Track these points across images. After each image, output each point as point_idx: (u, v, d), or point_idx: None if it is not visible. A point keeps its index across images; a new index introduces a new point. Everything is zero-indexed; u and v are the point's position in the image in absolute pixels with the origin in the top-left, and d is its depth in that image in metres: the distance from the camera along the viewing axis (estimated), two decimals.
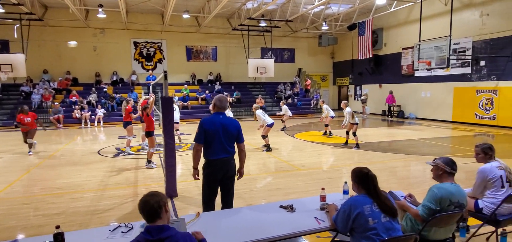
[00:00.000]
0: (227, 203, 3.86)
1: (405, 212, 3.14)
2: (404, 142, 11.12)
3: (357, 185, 2.67)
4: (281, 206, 3.28)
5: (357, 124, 10.07)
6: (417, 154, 9.18)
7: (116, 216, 4.88)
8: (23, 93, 18.69)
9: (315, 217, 3.02)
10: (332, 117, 12.75)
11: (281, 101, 15.11)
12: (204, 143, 3.69)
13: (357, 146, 10.04)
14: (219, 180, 3.77)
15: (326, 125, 12.79)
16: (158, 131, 9.69)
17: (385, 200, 2.53)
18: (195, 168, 3.87)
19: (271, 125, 9.94)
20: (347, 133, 10.33)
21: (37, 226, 4.55)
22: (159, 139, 8.98)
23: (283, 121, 14.61)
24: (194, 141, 3.77)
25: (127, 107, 9.92)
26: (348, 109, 10.24)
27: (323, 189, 3.32)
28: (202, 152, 3.77)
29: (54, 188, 6.32)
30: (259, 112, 10.24)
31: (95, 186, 6.45)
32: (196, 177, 3.89)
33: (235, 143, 3.82)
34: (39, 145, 11.51)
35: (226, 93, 20.98)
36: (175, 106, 11.66)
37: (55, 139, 13.20)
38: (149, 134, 7.77)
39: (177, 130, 11.38)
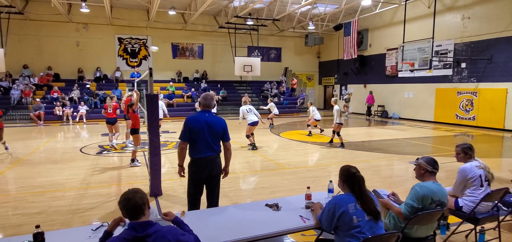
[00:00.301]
0: (213, 201, 3.85)
1: (388, 210, 3.19)
2: (387, 142, 11.31)
3: (343, 183, 2.70)
4: (266, 205, 3.29)
5: (341, 124, 10.20)
6: (400, 153, 9.35)
7: (98, 215, 4.78)
8: (1, 88, 18.05)
9: (300, 216, 3.03)
10: (317, 120, 12.63)
11: (269, 99, 15.33)
12: (189, 141, 3.68)
13: (342, 145, 10.16)
14: (205, 179, 3.76)
15: (308, 125, 12.84)
16: (143, 128, 9.56)
17: (369, 203, 2.55)
18: (180, 165, 3.85)
19: (252, 123, 9.75)
20: (334, 132, 10.42)
21: (16, 226, 4.41)
22: (144, 136, 8.86)
23: (269, 118, 14.82)
24: (179, 138, 3.75)
25: (113, 104, 9.72)
26: (336, 107, 10.27)
27: (308, 187, 3.34)
28: (188, 150, 3.75)
29: (34, 187, 6.15)
30: (243, 108, 10.09)
31: (77, 184, 6.31)
32: (182, 174, 3.87)
33: (221, 142, 3.81)
34: (19, 142, 11.17)
35: (213, 92, 20.85)
36: (161, 103, 11.68)
37: (36, 136, 12.82)
38: (134, 131, 7.64)
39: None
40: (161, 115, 11.46)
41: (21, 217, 4.72)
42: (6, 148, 9.35)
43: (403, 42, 15.32)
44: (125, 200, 2.10)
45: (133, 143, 7.82)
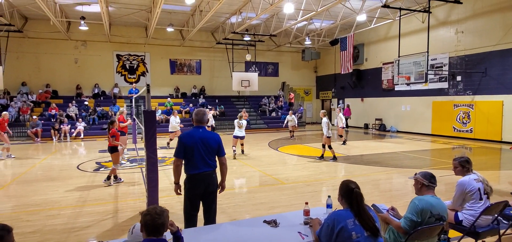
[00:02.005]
0: (210, 218, 3.81)
1: (388, 225, 3.16)
2: (386, 155, 11.30)
3: (342, 198, 2.67)
4: (264, 221, 3.25)
5: (329, 137, 10.14)
6: (399, 167, 9.31)
7: (95, 234, 4.70)
8: None
9: (298, 232, 2.99)
10: (344, 127, 13.85)
11: (290, 111, 16.95)
12: (184, 157, 3.67)
13: (334, 158, 10.12)
14: (201, 195, 3.72)
15: (341, 135, 13.84)
16: (141, 144, 9.53)
17: (367, 220, 2.51)
18: (176, 183, 3.83)
19: (236, 137, 11.04)
20: (324, 146, 10.30)
21: None
22: (142, 153, 8.79)
23: (291, 132, 16.14)
24: (173, 156, 3.75)
25: (119, 116, 9.77)
26: (325, 120, 10.12)
27: (306, 203, 3.31)
28: (183, 167, 3.74)
29: (29, 205, 6.06)
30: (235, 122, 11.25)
31: (73, 202, 6.22)
32: (178, 192, 3.85)
33: (216, 157, 3.81)
34: (15, 160, 11.07)
35: (210, 107, 20.88)
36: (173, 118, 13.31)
37: (32, 153, 12.72)
38: (113, 149, 7.49)
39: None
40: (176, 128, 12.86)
41: (16, 237, 4.56)
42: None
43: (399, 56, 15.48)
44: (151, 219, 2.20)
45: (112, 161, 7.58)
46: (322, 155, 10.41)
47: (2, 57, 16.97)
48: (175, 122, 13.39)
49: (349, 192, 2.61)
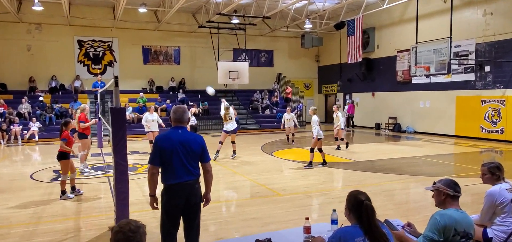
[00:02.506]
0: (191, 236, 3.80)
1: None
2: (401, 160, 11.39)
3: (349, 212, 2.67)
4: (257, 241, 3.24)
5: (320, 139, 10.08)
6: (417, 174, 9.40)
7: None
8: None
9: None
10: (343, 129, 13.79)
11: (288, 108, 16.01)
12: (161, 164, 3.65)
13: (324, 162, 10.18)
14: (181, 209, 3.70)
15: (340, 138, 13.72)
16: (108, 149, 9.43)
17: (379, 238, 2.51)
18: (152, 195, 3.80)
19: (226, 131, 11.44)
20: (312, 149, 10.17)
21: None
22: (109, 158, 8.71)
23: (292, 135, 15.56)
24: (148, 163, 3.72)
25: (80, 115, 9.69)
26: (315, 118, 10.05)
27: (307, 218, 3.31)
28: (160, 176, 3.71)
29: None
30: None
31: (26, 218, 6.16)
32: (154, 205, 3.82)
33: (200, 163, 3.80)
34: None
35: (191, 103, 20.79)
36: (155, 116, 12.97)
37: None
38: (63, 156, 7.30)
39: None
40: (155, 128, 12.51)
41: None
42: None
43: (416, 43, 15.57)
44: (124, 238, 2.13)
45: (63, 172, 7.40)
46: (311, 162, 10.16)
47: None
48: (150, 119, 13.06)
49: (358, 205, 2.61)
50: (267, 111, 23.05)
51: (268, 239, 3.23)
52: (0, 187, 8.43)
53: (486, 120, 16.07)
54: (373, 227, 2.54)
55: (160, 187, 3.75)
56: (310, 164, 10.12)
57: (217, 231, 5.50)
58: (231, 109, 11.54)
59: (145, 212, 6.30)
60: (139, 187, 8.21)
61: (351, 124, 22.17)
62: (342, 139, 13.73)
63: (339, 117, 13.59)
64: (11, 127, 16.73)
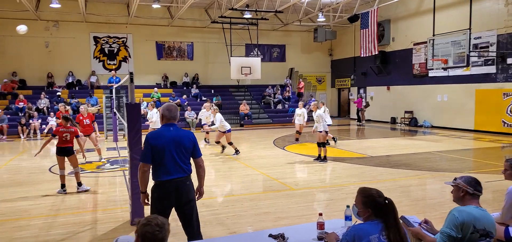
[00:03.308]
0: (192, 233, 3.83)
1: (420, 241, 3.13)
2: (417, 156, 11.24)
3: (370, 211, 2.64)
4: (270, 235, 3.25)
5: (326, 132, 10.12)
6: (434, 170, 9.25)
7: None
8: None
9: None
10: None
11: (300, 102, 14.76)
12: (152, 162, 3.69)
13: (325, 158, 10.10)
14: (171, 205, 3.75)
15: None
16: (123, 143, 9.59)
17: (403, 237, 2.50)
18: (143, 192, 3.85)
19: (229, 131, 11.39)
20: (320, 144, 10.08)
21: None
22: (124, 152, 8.83)
23: (298, 132, 14.20)
24: (139, 160, 3.76)
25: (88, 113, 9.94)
26: (319, 111, 10.04)
27: (320, 214, 3.29)
28: (151, 173, 3.77)
29: None
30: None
31: (45, 211, 6.29)
32: (145, 202, 3.88)
33: (192, 159, 3.87)
34: None
35: (205, 98, 20.91)
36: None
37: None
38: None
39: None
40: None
41: None
42: None
43: (433, 35, 15.33)
44: (150, 233, 2.21)
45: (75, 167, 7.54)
46: (319, 155, 10.11)
47: None
48: (155, 116, 13.20)
49: (383, 206, 2.59)
50: (279, 106, 23.00)
51: (281, 234, 3.22)
52: (19, 180, 8.64)
53: (508, 114, 15.66)
54: (399, 226, 2.53)
55: (151, 183, 3.80)
56: (324, 158, 10.05)
57: (230, 225, 5.51)
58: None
59: None
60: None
61: (358, 118, 22.05)
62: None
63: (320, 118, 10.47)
64: (30, 121, 17.09)
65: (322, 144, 10.07)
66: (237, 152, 11.34)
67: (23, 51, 20.26)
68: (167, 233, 2.27)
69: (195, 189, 3.95)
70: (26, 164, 10.68)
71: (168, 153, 3.66)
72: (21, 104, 18.00)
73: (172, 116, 3.82)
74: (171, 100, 20.74)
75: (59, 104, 14.02)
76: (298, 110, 14.28)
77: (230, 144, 11.47)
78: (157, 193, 3.72)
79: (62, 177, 7.35)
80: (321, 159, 10.09)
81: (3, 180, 8.62)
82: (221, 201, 6.78)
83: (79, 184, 7.47)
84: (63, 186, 7.37)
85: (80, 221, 5.75)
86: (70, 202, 6.81)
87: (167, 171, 3.67)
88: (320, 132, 9.94)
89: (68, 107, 13.31)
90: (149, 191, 3.85)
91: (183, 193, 3.73)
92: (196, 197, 3.93)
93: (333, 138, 13.21)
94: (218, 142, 11.88)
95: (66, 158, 7.35)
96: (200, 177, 3.95)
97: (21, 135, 16.55)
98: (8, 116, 17.33)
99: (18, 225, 5.59)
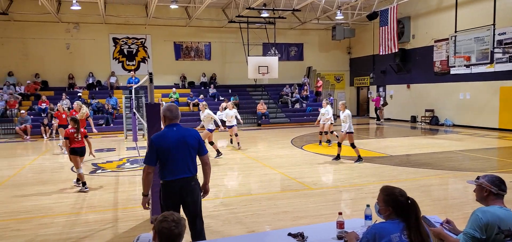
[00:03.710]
0: (195, 232, 3.87)
1: (442, 241, 3.08)
2: (439, 155, 11.05)
3: (390, 209, 2.63)
4: (290, 234, 3.26)
5: (351, 133, 9.85)
6: (456, 170, 9.10)
7: None
8: None
9: None
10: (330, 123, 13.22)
11: (324, 101, 13.55)
12: (158, 162, 3.73)
13: (337, 157, 10.10)
14: (177, 204, 3.78)
15: (326, 132, 13.25)
16: (142, 143, 9.74)
17: (425, 237, 2.48)
18: (145, 194, 3.88)
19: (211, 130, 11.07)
20: (353, 145, 9.94)
21: None
22: (144, 152, 8.95)
23: (321, 133, 13.28)
24: (144, 162, 3.80)
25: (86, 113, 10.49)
26: (348, 112, 9.87)
27: (340, 213, 3.28)
28: (158, 173, 3.80)
29: (19, 212, 6.33)
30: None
31: (68, 209, 6.46)
32: (146, 206, 3.92)
33: (198, 157, 3.89)
34: (3, 160, 11.57)
35: (222, 98, 21.00)
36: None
37: (21, 152, 13.27)
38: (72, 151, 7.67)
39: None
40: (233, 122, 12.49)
41: None
42: None
43: (455, 31, 15.05)
44: (166, 229, 2.28)
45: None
46: (360, 156, 9.98)
47: None
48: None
49: (404, 206, 2.57)
50: (297, 105, 22.92)
51: (300, 233, 3.23)
52: (43, 178, 8.89)
53: None
54: (421, 226, 2.51)
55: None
56: (360, 158, 9.88)
57: (248, 223, 5.55)
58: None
59: None
60: None
61: (377, 117, 21.86)
62: (331, 132, 13.34)
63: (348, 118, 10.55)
64: (53, 121, 17.55)
65: (352, 145, 9.90)
66: (218, 153, 10.96)
67: (45, 53, 20.83)
68: (183, 228, 2.33)
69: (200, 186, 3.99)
70: (49, 163, 10.98)
71: (173, 153, 3.68)
72: (43, 105, 18.50)
73: (174, 116, 3.84)
74: (189, 101, 20.99)
75: (58, 105, 14.21)
76: (322, 110, 13.15)
77: (211, 143, 11.15)
78: (163, 193, 3.78)
79: (81, 176, 7.62)
80: (339, 158, 10.02)
81: (27, 179, 8.88)
82: (239, 200, 6.83)
83: (83, 183, 7.66)
84: (84, 184, 7.57)
85: (101, 219, 5.89)
86: (91, 200, 6.98)
87: (172, 171, 3.70)
88: (348, 132, 9.71)
89: (66, 106, 13.67)
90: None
91: (187, 192, 3.76)
92: (202, 194, 3.96)
93: (337, 136, 13.00)
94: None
95: (79, 157, 7.64)
96: (206, 174, 3.97)
97: (43, 135, 17.01)
98: (32, 116, 17.84)
99: (43, 223, 5.77)
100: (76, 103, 11.22)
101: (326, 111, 12.91)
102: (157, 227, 2.30)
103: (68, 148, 7.66)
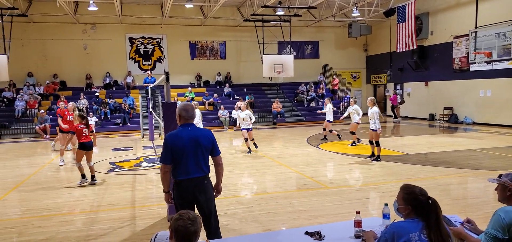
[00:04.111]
0: (210, 230, 3.91)
1: (463, 241, 3.04)
2: (458, 153, 10.86)
3: (410, 208, 2.62)
4: (306, 233, 3.27)
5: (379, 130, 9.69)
6: (476, 168, 8.95)
7: None
8: (5, 100, 19.32)
9: None
10: (330, 121, 13.55)
11: (351, 99, 13.54)
12: (173, 162, 3.78)
13: (377, 157, 9.94)
14: (191, 203, 3.82)
15: (324, 129, 13.77)
16: (159, 142, 9.84)
17: (445, 238, 2.46)
18: (166, 191, 3.97)
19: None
20: (374, 142, 9.90)
21: None
22: (160, 151, 9.07)
23: (330, 131, 13.72)
24: (160, 161, 3.86)
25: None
26: (376, 109, 9.76)
27: (358, 212, 3.27)
28: (171, 172, 3.86)
29: (40, 209, 6.50)
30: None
31: (87, 207, 6.61)
32: (169, 201, 4.00)
33: (211, 157, 3.94)
34: (23, 159, 11.89)
35: (237, 97, 21.08)
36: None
37: (41, 151, 13.59)
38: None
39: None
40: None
41: None
42: None
43: (476, 27, 14.78)
44: (182, 226, 2.33)
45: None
46: (374, 153, 9.99)
47: (6, 45, 18.03)
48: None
49: (424, 205, 2.56)
50: (313, 104, 22.81)
51: (318, 232, 3.23)
52: (62, 177, 9.11)
53: None
54: (441, 226, 2.49)
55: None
56: (374, 155, 9.94)
57: (265, 222, 5.57)
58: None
59: None
60: None
61: (394, 115, 21.61)
62: (330, 131, 13.72)
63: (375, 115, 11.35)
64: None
65: (371, 142, 9.89)
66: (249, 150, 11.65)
67: (63, 54, 21.29)
68: (199, 226, 2.36)
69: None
70: (68, 162, 11.21)
71: (186, 153, 3.74)
72: (61, 104, 18.86)
73: (189, 116, 3.88)
74: (204, 100, 21.13)
75: (59, 102, 14.44)
76: (350, 108, 12.80)
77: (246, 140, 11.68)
78: (176, 191, 3.85)
79: (81, 168, 8.11)
80: (375, 157, 9.89)
81: (47, 177, 9.10)
82: (255, 198, 6.86)
83: (92, 176, 8.19)
84: (83, 176, 8.09)
85: (119, 217, 6.00)
86: (109, 198, 7.11)
87: (185, 171, 3.76)
88: (374, 130, 9.61)
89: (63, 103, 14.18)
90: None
91: (201, 191, 3.82)
92: (214, 194, 4.01)
93: (338, 135, 13.50)
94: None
95: (85, 152, 8.16)
96: (218, 174, 4.02)
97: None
98: (51, 116, 18.26)
99: (64, 220, 5.91)
100: (71, 104, 11.49)
101: (354, 110, 12.60)
102: (173, 225, 2.34)
103: (69, 142, 8.54)
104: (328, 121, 13.58)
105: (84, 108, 19.12)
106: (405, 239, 2.45)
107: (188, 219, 2.33)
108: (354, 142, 12.59)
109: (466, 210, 5.83)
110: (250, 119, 11.55)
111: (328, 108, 13.60)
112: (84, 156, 8.13)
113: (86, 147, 8.09)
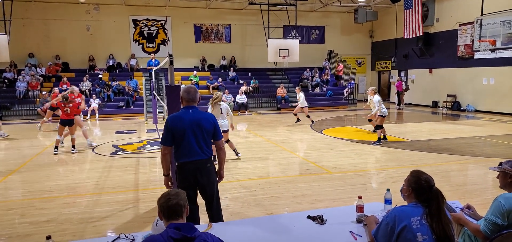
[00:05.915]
0: (212, 212, 3.92)
1: (462, 227, 3.08)
2: (460, 140, 10.87)
3: (412, 193, 2.65)
4: (308, 217, 3.30)
5: (384, 116, 10.39)
6: (477, 155, 8.97)
7: (114, 225, 5.01)
8: (6, 81, 19.31)
9: (350, 231, 3.01)
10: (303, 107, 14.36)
11: (297, 88, 15.75)
12: (174, 144, 3.78)
13: (379, 140, 10.30)
14: (193, 186, 3.83)
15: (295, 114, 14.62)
16: (163, 125, 9.77)
17: (445, 226, 2.48)
18: (166, 174, 3.95)
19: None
20: (378, 127, 10.54)
21: (24, 236, 4.72)
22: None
23: (308, 116, 14.76)
24: (160, 143, 3.86)
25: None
26: (377, 97, 10.43)
27: (360, 197, 3.30)
28: (173, 155, 3.86)
29: (42, 191, 6.55)
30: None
31: (90, 189, 6.65)
32: (169, 184, 4.00)
33: (213, 141, 3.92)
34: (25, 140, 11.95)
35: (242, 81, 21.03)
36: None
37: (43, 133, 13.66)
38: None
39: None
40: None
41: (29, 226, 5.04)
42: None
43: (481, 15, 14.60)
44: (165, 199, 2.41)
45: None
46: (383, 136, 10.49)
47: (6, 25, 17.83)
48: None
49: (426, 190, 2.58)
50: (317, 90, 22.75)
51: (320, 216, 3.26)
52: (65, 159, 9.17)
53: None
54: (442, 215, 2.51)
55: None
56: (384, 138, 10.46)
57: (267, 206, 5.61)
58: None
59: None
60: None
61: (398, 102, 21.44)
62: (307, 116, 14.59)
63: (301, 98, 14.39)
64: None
65: (379, 127, 10.41)
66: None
67: (66, 35, 21.18)
68: (180, 199, 2.40)
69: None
70: (70, 143, 11.25)
71: (187, 135, 3.72)
72: (64, 87, 18.88)
73: (191, 98, 3.85)
74: (209, 84, 21.10)
75: (55, 88, 15.61)
76: (374, 97, 10.79)
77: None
78: (179, 175, 3.84)
79: (57, 141, 9.65)
80: (380, 141, 10.31)
81: (50, 159, 9.15)
82: (258, 182, 6.91)
83: (55, 147, 9.61)
84: (56, 148, 9.57)
85: (122, 199, 6.03)
86: (113, 181, 7.15)
87: (186, 153, 3.74)
88: (382, 116, 10.29)
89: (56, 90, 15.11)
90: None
91: (203, 175, 3.80)
92: (217, 179, 4.00)
93: (311, 120, 14.56)
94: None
95: (67, 127, 9.68)
96: (221, 159, 3.99)
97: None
98: None
99: (66, 202, 5.95)
100: (70, 89, 11.57)
101: (374, 100, 10.85)
102: (158, 206, 2.44)
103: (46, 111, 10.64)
104: (305, 107, 14.52)
105: (87, 90, 19.09)
106: (406, 223, 2.48)
107: (168, 195, 2.42)
108: (379, 139, 10.45)
109: (466, 196, 5.86)
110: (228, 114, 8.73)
111: (302, 98, 14.44)
112: (64, 130, 9.71)
113: (65, 123, 9.57)
